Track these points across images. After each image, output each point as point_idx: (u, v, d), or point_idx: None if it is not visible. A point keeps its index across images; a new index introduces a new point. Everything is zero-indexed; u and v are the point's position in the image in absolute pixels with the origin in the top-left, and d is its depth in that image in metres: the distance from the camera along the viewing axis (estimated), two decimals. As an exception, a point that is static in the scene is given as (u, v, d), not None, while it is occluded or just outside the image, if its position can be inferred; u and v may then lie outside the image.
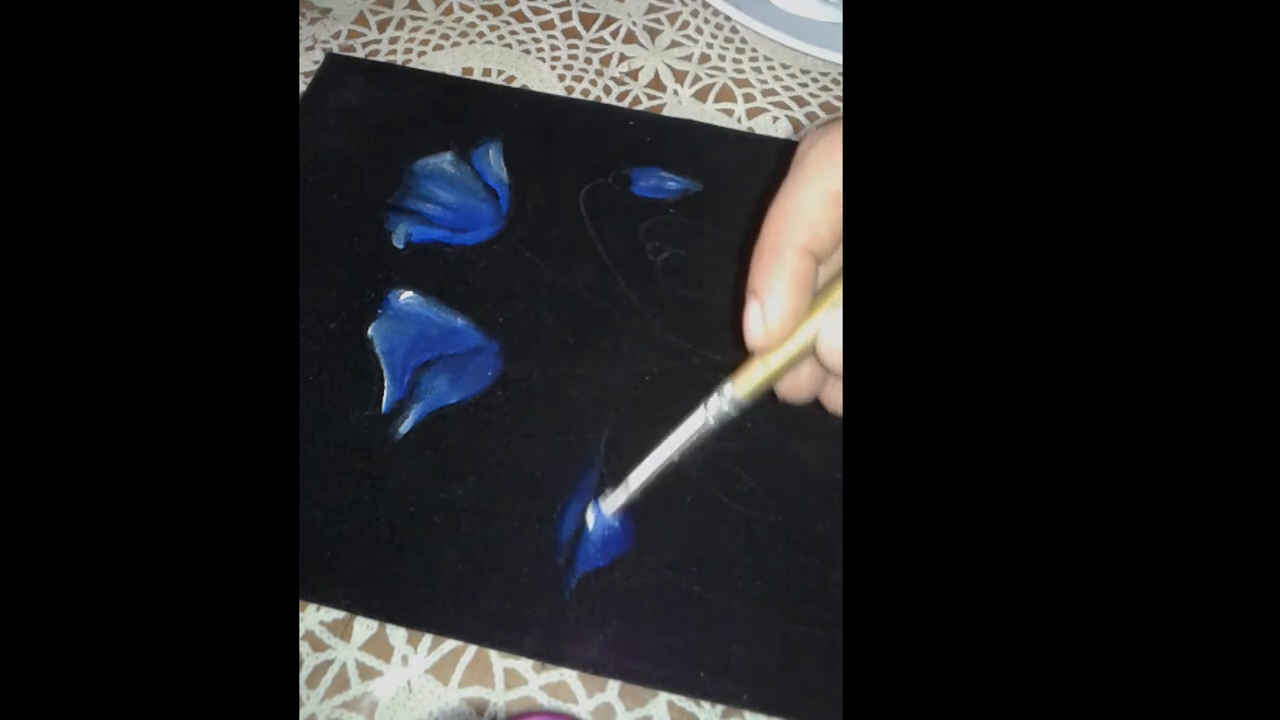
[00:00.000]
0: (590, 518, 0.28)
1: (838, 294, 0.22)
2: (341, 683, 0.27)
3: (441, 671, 0.27)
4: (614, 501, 0.28)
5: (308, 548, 0.28)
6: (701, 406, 0.25)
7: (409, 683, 0.27)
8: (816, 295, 0.22)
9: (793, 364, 0.23)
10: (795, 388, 0.25)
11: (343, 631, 0.28)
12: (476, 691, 0.27)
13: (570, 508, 0.29)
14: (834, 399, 0.25)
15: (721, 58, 0.44)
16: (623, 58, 0.44)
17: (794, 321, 0.22)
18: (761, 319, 0.22)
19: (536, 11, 0.46)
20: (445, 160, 0.38)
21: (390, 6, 0.45)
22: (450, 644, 0.27)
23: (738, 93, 0.43)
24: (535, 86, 0.42)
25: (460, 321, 0.33)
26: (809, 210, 0.22)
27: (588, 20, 0.45)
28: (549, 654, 0.27)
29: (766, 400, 0.32)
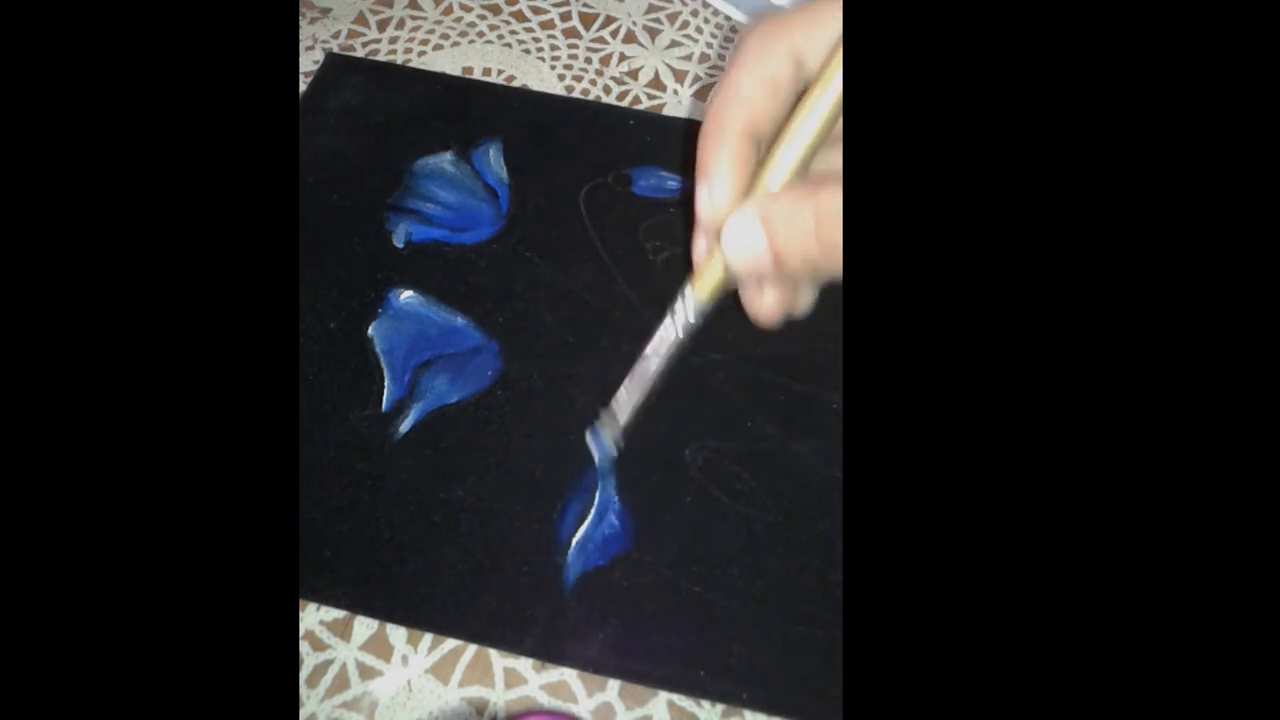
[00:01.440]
0: (592, 446, 0.29)
1: (771, 172, 0.22)
2: (341, 682, 0.27)
3: (441, 671, 0.27)
4: (610, 427, 0.28)
5: (308, 547, 0.28)
6: (668, 317, 0.25)
7: (409, 682, 0.27)
8: (757, 175, 0.23)
9: None
10: (758, 307, 0.25)
11: (343, 631, 0.28)
12: (476, 691, 0.27)
13: (570, 507, 0.29)
14: (768, 305, 0.25)
15: (721, 57, 0.44)
16: (623, 57, 0.44)
17: (738, 198, 0.23)
18: (709, 197, 0.23)
19: (536, 11, 0.46)
20: (445, 160, 0.38)
21: (390, 6, 0.45)
22: (450, 643, 0.27)
23: (738, 92, 0.43)
24: (535, 86, 0.42)
25: (460, 321, 0.33)
26: (745, 95, 0.22)
27: (588, 20, 0.45)
28: (549, 653, 0.27)
29: (767, 400, 0.32)
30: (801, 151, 0.22)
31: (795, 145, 0.22)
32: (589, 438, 0.29)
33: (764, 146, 0.23)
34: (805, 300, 0.26)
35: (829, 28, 0.22)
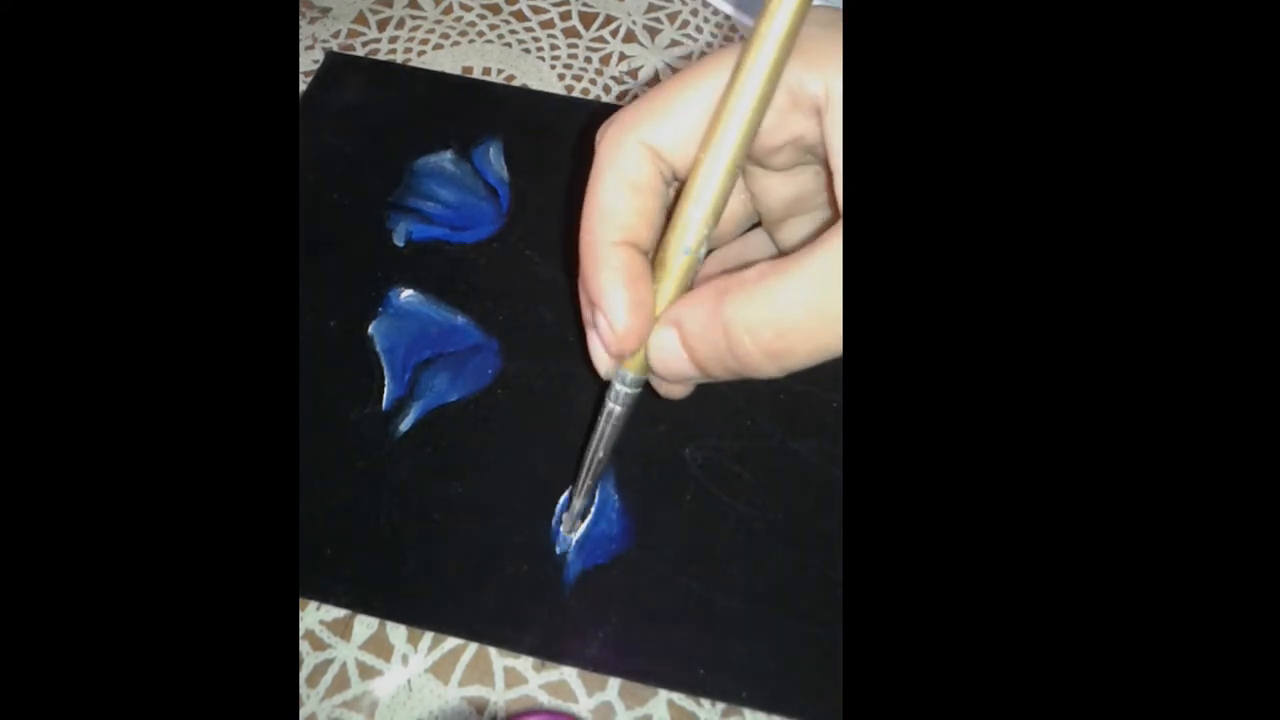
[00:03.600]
0: (556, 547, 0.29)
1: (665, 280, 0.21)
2: (341, 682, 0.27)
3: (442, 670, 0.27)
4: (570, 523, 0.28)
5: (308, 546, 0.28)
6: (607, 400, 0.24)
7: (409, 682, 0.27)
8: (656, 280, 0.22)
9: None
10: (668, 391, 0.25)
11: (343, 630, 0.28)
12: (477, 690, 0.27)
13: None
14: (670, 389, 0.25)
15: (721, 56, 0.44)
16: (623, 57, 0.44)
17: (642, 313, 0.21)
18: (607, 324, 0.21)
19: (536, 11, 0.46)
20: (445, 159, 0.38)
21: (390, 6, 0.45)
22: (450, 643, 0.27)
23: (738, 91, 0.43)
24: (535, 85, 0.42)
25: (460, 319, 0.33)
26: (610, 205, 0.21)
27: (587, 19, 0.45)
28: (549, 651, 0.27)
29: (767, 398, 0.32)
30: (693, 247, 0.21)
31: (683, 243, 0.21)
32: (554, 535, 0.29)
33: (650, 249, 0.22)
34: None
35: (683, 110, 0.21)
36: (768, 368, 0.20)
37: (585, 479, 0.26)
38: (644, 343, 0.22)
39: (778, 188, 0.24)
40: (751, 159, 0.22)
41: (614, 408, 0.24)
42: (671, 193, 0.22)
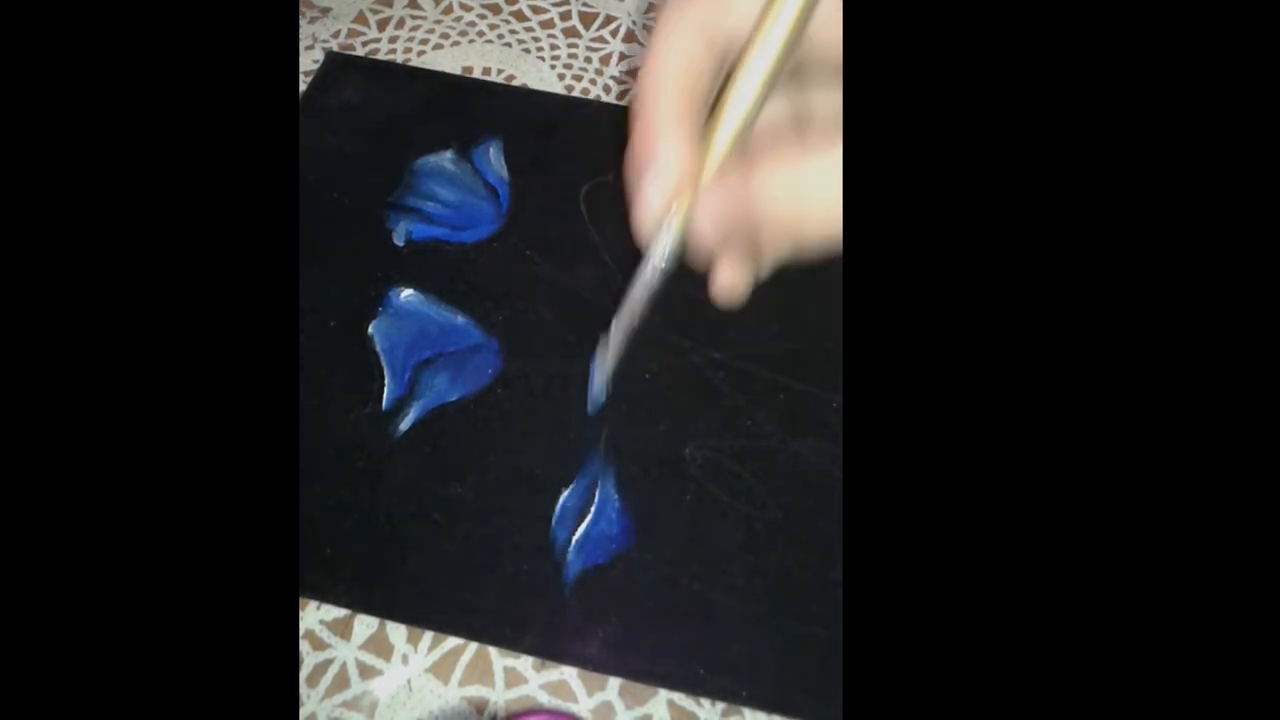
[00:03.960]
0: (591, 375, 0.30)
1: (711, 154, 0.23)
2: (341, 682, 0.27)
3: (442, 670, 0.27)
4: (604, 360, 0.29)
5: (308, 545, 0.28)
6: (649, 258, 0.25)
7: (409, 681, 0.27)
8: (702, 152, 0.23)
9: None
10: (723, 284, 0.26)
11: (343, 630, 0.28)
12: (477, 690, 0.27)
13: (570, 505, 0.29)
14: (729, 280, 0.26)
15: (721, 56, 0.44)
16: (622, 57, 0.44)
17: (693, 160, 0.22)
18: (658, 171, 0.23)
19: (536, 10, 0.46)
20: (446, 158, 0.38)
21: (390, 6, 0.45)
22: (450, 643, 0.27)
23: (738, 91, 0.43)
24: (535, 85, 0.42)
25: (460, 319, 0.33)
26: (675, 63, 0.23)
27: (587, 19, 0.45)
28: (549, 651, 0.27)
29: (767, 398, 0.32)
30: (736, 127, 0.23)
31: (729, 123, 0.23)
32: (592, 366, 0.30)
33: (700, 122, 0.23)
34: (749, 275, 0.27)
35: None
36: (783, 238, 0.22)
37: (616, 334, 0.27)
38: (692, 191, 0.23)
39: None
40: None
41: (655, 264, 0.25)
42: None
